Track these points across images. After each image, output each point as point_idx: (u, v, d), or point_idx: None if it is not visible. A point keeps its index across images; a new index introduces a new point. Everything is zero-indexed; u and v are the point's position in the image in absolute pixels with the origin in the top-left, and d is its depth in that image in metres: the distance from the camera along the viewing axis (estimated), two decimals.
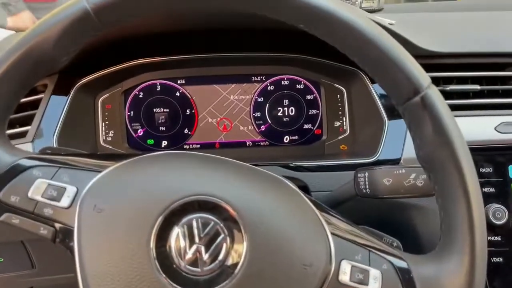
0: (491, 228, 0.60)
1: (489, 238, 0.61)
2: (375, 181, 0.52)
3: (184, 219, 0.38)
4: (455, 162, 0.39)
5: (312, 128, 0.75)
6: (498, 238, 0.60)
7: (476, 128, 0.63)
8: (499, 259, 0.60)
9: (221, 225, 0.38)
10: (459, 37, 0.72)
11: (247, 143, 0.76)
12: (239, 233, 0.38)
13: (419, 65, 0.41)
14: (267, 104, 0.75)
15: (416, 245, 0.57)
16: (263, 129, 0.75)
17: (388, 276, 0.40)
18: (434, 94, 0.40)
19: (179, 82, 0.74)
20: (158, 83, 0.74)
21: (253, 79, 0.74)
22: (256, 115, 0.75)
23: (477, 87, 0.66)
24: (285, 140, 0.76)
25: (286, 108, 0.75)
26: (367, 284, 0.39)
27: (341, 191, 0.58)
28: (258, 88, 0.74)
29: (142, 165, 0.42)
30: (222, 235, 0.38)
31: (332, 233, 0.41)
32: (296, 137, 0.76)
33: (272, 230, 0.39)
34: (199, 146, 0.76)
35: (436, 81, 0.68)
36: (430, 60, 0.68)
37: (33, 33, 0.39)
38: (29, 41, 0.39)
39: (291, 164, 0.67)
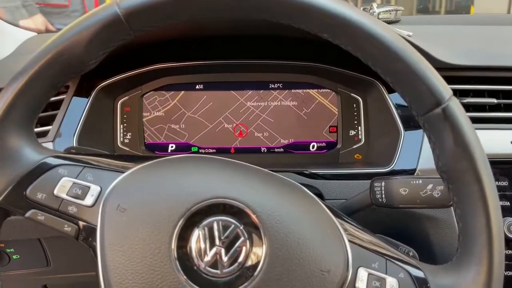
0: (506, 242, 0.60)
1: (507, 252, 0.61)
2: (391, 191, 0.52)
3: (205, 221, 0.39)
4: (475, 174, 0.39)
5: (327, 136, 0.76)
6: None
7: (492, 141, 0.63)
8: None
9: (242, 228, 0.39)
10: (475, 50, 0.73)
11: (262, 149, 0.76)
12: (259, 237, 0.38)
13: (441, 77, 0.41)
14: (283, 111, 0.75)
15: (430, 256, 0.57)
16: (278, 135, 0.76)
17: (404, 285, 0.40)
18: (456, 106, 0.40)
19: (197, 87, 0.75)
20: (176, 88, 0.75)
21: (270, 86, 0.75)
22: (271, 122, 0.76)
23: (494, 100, 0.67)
24: (299, 148, 0.76)
25: (301, 116, 0.75)
26: None
27: (357, 200, 0.59)
28: (274, 95, 0.75)
29: (165, 167, 0.43)
30: (242, 238, 0.38)
31: (350, 241, 0.42)
32: (311, 145, 0.76)
33: (291, 236, 0.39)
34: (214, 150, 0.77)
35: (454, 93, 0.69)
36: (447, 73, 0.67)
37: (65, 35, 0.41)
38: (61, 43, 0.41)
39: (306, 172, 0.68)
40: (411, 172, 0.63)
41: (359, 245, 0.42)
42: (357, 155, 0.75)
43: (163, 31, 0.67)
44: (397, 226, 0.56)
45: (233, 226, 0.39)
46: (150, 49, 0.72)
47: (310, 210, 0.43)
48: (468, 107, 0.67)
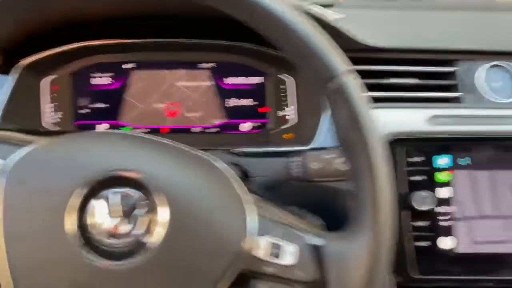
0: (417, 214, 0.64)
1: (415, 223, 0.64)
2: (304, 166, 0.55)
3: (105, 193, 0.39)
4: (364, 147, 0.41)
5: (257, 116, 0.77)
6: (423, 223, 0.64)
7: (409, 119, 0.66)
8: (424, 244, 0.64)
9: (142, 199, 0.39)
10: (402, 33, 0.75)
11: (194, 129, 0.77)
12: (160, 209, 0.39)
13: (340, 52, 0.43)
14: (214, 91, 0.76)
15: (338, 225, 0.60)
16: (209, 116, 0.77)
17: (302, 250, 0.42)
18: (350, 80, 0.42)
19: (126, 66, 0.74)
20: (105, 67, 0.74)
21: (201, 66, 0.75)
22: (202, 102, 0.76)
23: (413, 81, 0.70)
24: (231, 128, 0.77)
25: (232, 96, 0.76)
26: (282, 259, 0.41)
27: (276, 175, 0.61)
28: (205, 75, 0.75)
29: (67, 142, 0.43)
30: (142, 209, 0.39)
31: (255, 212, 0.43)
32: (243, 125, 0.77)
33: (192, 207, 0.40)
34: (147, 130, 0.76)
35: (376, 74, 0.71)
36: (370, 54, 0.71)
37: None
38: None
39: (233, 150, 0.69)
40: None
41: (263, 216, 0.44)
42: (287, 135, 0.77)
43: (88, 9, 0.65)
44: (312, 198, 0.58)
45: (132, 197, 0.39)
46: (78, 27, 0.71)
47: (216, 183, 0.44)
48: (390, 87, 0.70)
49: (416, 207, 0.63)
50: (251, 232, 0.42)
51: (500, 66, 0.71)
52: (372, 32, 0.73)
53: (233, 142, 0.77)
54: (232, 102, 0.77)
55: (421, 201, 0.63)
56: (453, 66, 0.71)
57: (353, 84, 0.42)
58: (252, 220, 0.42)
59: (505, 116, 0.67)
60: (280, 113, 0.77)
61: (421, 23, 0.82)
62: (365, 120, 0.42)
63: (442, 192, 0.64)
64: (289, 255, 0.42)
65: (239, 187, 0.44)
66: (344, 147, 0.43)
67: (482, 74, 0.70)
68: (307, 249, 0.42)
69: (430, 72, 0.72)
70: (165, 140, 0.45)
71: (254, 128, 0.78)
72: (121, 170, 0.40)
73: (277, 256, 0.42)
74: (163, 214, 0.39)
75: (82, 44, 0.72)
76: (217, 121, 0.77)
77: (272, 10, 0.41)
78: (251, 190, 0.47)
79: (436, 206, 0.64)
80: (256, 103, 0.77)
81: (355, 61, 0.72)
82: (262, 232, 0.42)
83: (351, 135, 0.42)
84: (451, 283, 0.65)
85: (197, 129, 0.77)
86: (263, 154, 0.69)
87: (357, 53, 0.71)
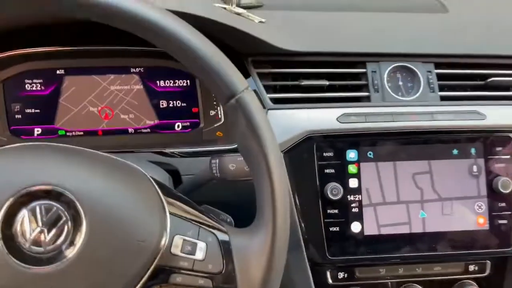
0: (330, 203, 0.72)
1: (328, 211, 0.72)
2: (223, 167, 0.61)
3: (30, 205, 0.44)
4: (262, 153, 0.48)
5: (190, 116, 0.82)
6: (335, 211, 0.72)
7: (322, 118, 0.74)
8: (336, 229, 0.72)
9: (63, 210, 0.44)
10: (318, 37, 0.82)
11: (129, 130, 0.81)
12: (79, 217, 0.44)
13: (237, 71, 0.49)
14: (146, 94, 0.80)
15: (248, 222, 0.67)
16: (143, 117, 0.81)
17: (211, 246, 0.48)
18: (248, 96, 0.48)
19: (58, 72, 0.77)
20: (37, 73, 0.77)
21: (131, 71, 0.79)
22: (135, 104, 0.80)
23: (326, 82, 0.77)
24: (165, 128, 0.82)
25: (164, 98, 0.81)
26: (194, 254, 0.48)
27: (200, 175, 0.67)
28: (136, 79, 0.79)
29: None
30: (64, 219, 0.44)
31: (170, 213, 0.49)
32: (176, 125, 0.82)
33: (110, 213, 0.46)
34: (82, 133, 0.80)
35: (294, 76, 0.78)
36: (287, 58, 0.77)
37: None
38: None
39: (165, 151, 0.74)
40: None
41: (179, 216, 0.50)
42: (219, 132, 0.83)
43: (13, 18, 0.67)
44: (230, 196, 0.65)
45: (54, 208, 0.44)
46: (7, 35, 0.73)
47: (134, 186, 0.49)
48: (306, 89, 0.77)
49: (329, 196, 0.71)
50: (167, 231, 0.47)
51: (404, 66, 0.79)
52: (290, 36, 0.79)
53: (167, 141, 0.82)
54: (165, 103, 0.81)
55: (333, 191, 0.71)
56: (363, 68, 0.78)
57: (251, 100, 0.48)
58: (167, 221, 0.48)
59: (406, 113, 0.75)
60: (213, 112, 0.83)
61: (336, 25, 0.89)
62: (263, 132, 0.48)
63: (352, 183, 0.73)
64: (200, 250, 0.48)
65: (157, 189, 0.50)
66: (244, 154, 0.50)
67: (387, 74, 0.78)
68: (215, 245, 0.49)
69: (343, 73, 0.79)
70: (82, 149, 0.50)
71: (187, 127, 0.83)
72: (43, 185, 0.44)
73: (189, 252, 0.48)
74: (81, 222, 0.44)
75: (13, 53, 0.74)
76: (151, 122, 0.82)
77: (175, 35, 0.46)
78: (171, 191, 0.53)
79: (347, 195, 0.72)
80: (188, 103, 0.82)
81: (273, 64, 0.79)
82: (176, 231, 0.48)
83: (250, 145, 0.48)
84: (361, 261, 0.74)
85: (132, 130, 0.81)
86: (192, 154, 0.75)
87: (275, 56, 0.78)
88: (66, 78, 0.78)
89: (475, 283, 0.79)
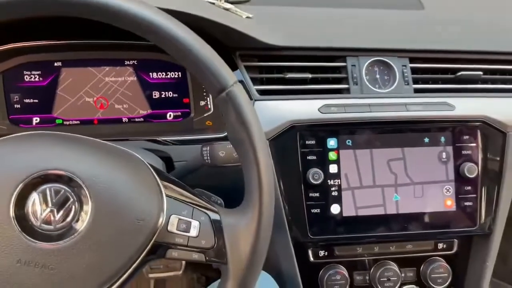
0: (311, 187, 0.78)
1: (310, 194, 0.79)
2: (213, 153, 0.66)
3: (40, 188, 0.49)
4: (250, 143, 0.53)
5: (181, 106, 0.87)
6: (316, 194, 0.79)
7: (305, 109, 0.80)
8: (317, 210, 0.79)
9: (71, 192, 0.49)
10: (301, 32, 0.87)
11: (123, 119, 0.86)
12: (85, 199, 0.49)
13: (226, 65, 0.54)
14: (139, 85, 0.85)
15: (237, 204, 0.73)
16: (137, 107, 0.86)
17: (204, 224, 0.54)
18: (237, 90, 0.53)
19: (55, 64, 0.81)
20: (36, 65, 0.81)
21: (125, 63, 0.83)
22: (129, 95, 0.85)
23: (309, 75, 0.82)
24: (157, 117, 0.87)
25: (156, 89, 0.86)
26: (188, 232, 0.54)
27: (192, 161, 0.72)
28: (130, 71, 0.84)
29: (10, 142, 0.51)
30: (71, 200, 0.49)
31: (167, 195, 0.54)
32: (168, 114, 0.87)
33: (113, 195, 0.51)
34: (78, 122, 0.84)
35: (279, 69, 0.83)
36: (272, 52, 0.82)
37: None
38: None
39: (158, 139, 0.79)
40: None
41: (174, 198, 0.55)
42: (208, 122, 0.88)
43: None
44: (220, 181, 0.70)
45: (63, 191, 0.49)
46: (5, 29, 0.76)
47: (134, 172, 0.54)
48: (290, 81, 0.82)
49: (311, 181, 0.77)
50: (164, 212, 0.53)
51: (381, 60, 0.85)
52: (276, 31, 0.84)
53: (160, 130, 0.87)
54: (158, 94, 0.86)
55: (315, 176, 0.77)
56: (343, 62, 0.84)
57: (240, 94, 0.53)
58: (164, 202, 0.53)
59: (382, 104, 0.81)
60: (203, 103, 0.88)
61: (319, 21, 0.94)
62: (251, 123, 0.53)
63: (332, 168, 0.79)
64: (194, 228, 0.54)
65: (154, 174, 0.55)
66: (234, 143, 0.55)
67: (365, 68, 0.84)
68: (207, 223, 0.54)
69: (325, 66, 0.85)
70: (88, 138, 0.55)
71: (178, 117, 0.88)
72: (52, 169, 0.49)
73: (184, 230, 0.53)
74: (88, 203, 0.49)
75: (12, 46, 0.78)
76: (144, 112, 0.86)
77: (169, 32, 0.51)
78: (167, 176, 0.59)
79: (327, 180, 0.79)
80: (179, 94, 0.87)
81: (260, 57, 0.84)
82: (172, 211, 0.54)
83: (240, 134, 0.54)
84: (340, 240, 0.81)
85: (126, 119, 0.86)
86: (184, 142, 0.80)
87: (262, 51, 0.83)
88: (63, 70, 0.82)
89: (443, 260, 0.86)
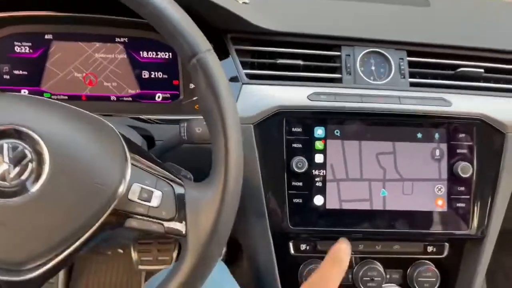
0: (295, 175, 0.75)
1: (293, 183, 0.76)
2: (189, 129, 0.64)
3: None
4: (219, 112, 0.51)
5: (170, 88, 0.86)
6: (300, 184, 0.76)
7: (293, 95, 0.77)
8: (300, 200, 0.76)
9: (29, 149, 0.48)
10: (297, 19, 0.85)
11: (112, 98, 0.85)
12: (43, 156, 0.48)
13: (201, 33, 0.52)
14: (129, 63, 0.84)
15: None
16: (125, 86, 0.85)
17: (166, 195, 0.52)
18: (209, 57, 0.52)
19: (46, 37, 0.81)
20: (26, 36, 0.80)
21: (116, 40, 0.83)
22: (119, 73, 0.84)
23: (301, 62, 0.80)
24: (146, 98, 0.86)
25: (146, 68, 0.84)
26: (149, 201, 0.51)
27: (170, 139, 0.70)
28: (121, 48, 0.83)
29: None
30: (29, 157, 0.48)
31: (132, 164, 0.53)
32: (157, 95, 0.86)
33: (73, 155, 0.49)
34: (66, 97, 0.84)
35: (272, 55, 0.82)
36: (265, 37, 0.81)
37: None
38: None
39: (142, 117, 0.78)
40: None
41: (139, 167, 0.53)
42: (197, 105, 0.87)
43: None
44: (200, 161, 0.68)
45: (20, 147, 0.48)
46: None
47: (100, 137, 0.52)
48: (281, 67, 0.80)
49: (294, 169, 0.75)
50: (126, 179, 0.51)
51: (377, 52, 0.82)
52: (271, 16, 0.82)
53: (148, 111, 0.85)
54: (147, 74, 0.85)
55: (298, 164, 0.75)
56: (337, 51, 0.82)
57: (212, 61, 0.52)
58: (128, 170, 0.52)
59: (374, 95, 0.78)
60: (192, 86, 0.86)
61: (317, 10, 0.92)
62: (221, 91, 0.51)
63: (317, 158, 0.76)
64: (155, 198, 0.52)
65: (124, 143, 0.53)
66: (204, 115, 0.53)
67: (360, 59, 0.81)
68: (170, 194, 0.52)
69: (319, 55, 0.82)
70: (58, 103, 0.54)
71: (167, 98, 0.86)
72: (9, 124, 0.48)
73: (145, 199, 0.51)
74: (45, 161, 0.47)
75: (3, 15, 0.78)
76: (133, 91, 0.85)
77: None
78: (138, 148, 0.57)
79: (312, 170, 0.76)
80: (169, 75, 0.86)
81: (253, 42, 0.82)
82: (135, 180, 0.52)
83: (208, 104, 0.52)
84: (322, 233, 0.78)
85: (114, 98, 0.85)
86: (168, 121, 0.78)
87: (254, 35, 0.81)
88: (54, 43, 0.81)
89: (432, 263, 0.82)
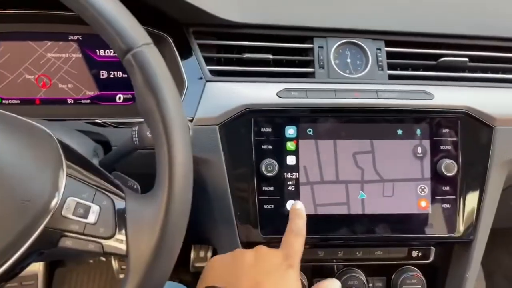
0: (265, 179, 0.69)
1: (263, 188, 0.70)
2: (141, 134, 0.58)
3: None
4: (160, 113, 0.45)
5: (131, 88, 0.79)
6: (270, 188, 0.70)
7: (262, 92, 0.71)
8: (271, 206, 0.70)
9: None
10: (265, 9, 0.79)
11: (69, 100, 0.78)
12: None
13: (139, 26, 0.46)
14: (85, 63, 0.78)
15: None
16: (83, 87, 0.78)
17: (105, 210, 0.46)
18: (147, 52, 0.45)
19: None
20: None
21: (69, 38, 0.76)
22: (74, 73, 0.77)
23: (270, 56, 0.74)
24: (105, 99, 0.79)
25: (104, 68, 0.78)
26: (86, 218, 0.45)
27: (124, 144, 0.64)
28: (75, 47, 0.77)
29: None
30: None
31: (68, 174, 0.46)
32: (117, 96, 0.80)
33: None
34: (19, 101, 0.77)
35: (240, 50, 0.75)
36: (231, 29, 0.74)
37: None
38: None
39: (97, 121, 0.72)
40: (190, 120, 0.69)
41: (76, 178, 0.47)
42: None
43: None
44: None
45: None
46: None
47: (29, 144, 0.46)
48: (248, 62, 0.74)
49: (265, 173, 0.69)
50: (59, 192, 0.45)
51: (353, 42, 0.76)
52: (236, 6, 0.76)
53: (108, 113, 0.79)
54: (105, 74, 0.79)
55: (268, 167, 0.68)
56: (310, 43, 0.75)
57: (150, 56, 0.45)
58: (63, 182, 0.45)
59: (350, 90, 0.72)
60: None
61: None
62: (160, 88, 0.45)
63: (289, 160, 0.70)
64: (92, 213, 0.45)
65: (60, 151, 0.47)
66: (144, 116, 0.47)
67: (334, 51, 0.75)
68: (109, 209, 0.46)
69: (290, 48, 0.76)
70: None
71: (129, 99, 0.80)
72: None
73: (82, 215, 0.45)
74: None
75: None
76: (91, 93, 0.79)
77: None
78: (78, 155, 0.51)
79: (283, 173, 0.70)
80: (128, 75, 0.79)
81: (219, 36, 0.76)
82: (70, 193, 0.45)
83: (148, 104, 0.45)
84: None
85: (71, 100, 0.79)
86: (124, 124, 0.72)
87: (218, 28, 0.75)
88: (1, 43, 0.75)
89: (417, 269, 0.76)
